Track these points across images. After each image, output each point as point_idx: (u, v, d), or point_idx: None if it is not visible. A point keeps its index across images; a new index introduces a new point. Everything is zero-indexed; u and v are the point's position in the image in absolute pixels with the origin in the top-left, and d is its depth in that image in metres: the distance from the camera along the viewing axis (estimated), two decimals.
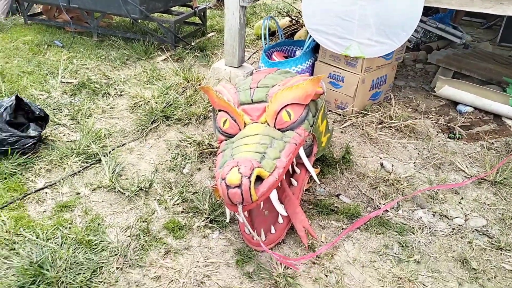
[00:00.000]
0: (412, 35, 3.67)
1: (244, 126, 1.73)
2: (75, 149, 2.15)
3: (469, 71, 3.07)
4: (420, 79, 3.19)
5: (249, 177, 1.39)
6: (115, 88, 2.86)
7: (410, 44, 3.72)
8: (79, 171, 2.04)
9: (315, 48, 2.77)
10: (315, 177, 1.81)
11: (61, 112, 2.54)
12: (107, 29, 3.83)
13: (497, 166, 2.07)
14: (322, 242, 1.69)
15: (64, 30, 3.95)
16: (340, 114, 2.61)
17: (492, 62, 3.24)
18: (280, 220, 1.67)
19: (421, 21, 3.71)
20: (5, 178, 1.95)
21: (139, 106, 2.63)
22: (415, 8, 2.17)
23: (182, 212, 1.82)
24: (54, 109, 2.56)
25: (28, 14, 4.07)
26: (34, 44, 3.55)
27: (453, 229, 1.77)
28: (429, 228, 1.77)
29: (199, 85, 2.83)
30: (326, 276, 1.54)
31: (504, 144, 2.32)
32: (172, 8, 3.94)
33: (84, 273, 1.50)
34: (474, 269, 1.57)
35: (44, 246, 1.59)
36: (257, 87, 1.82)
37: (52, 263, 1.51)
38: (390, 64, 2.64)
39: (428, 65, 3.38)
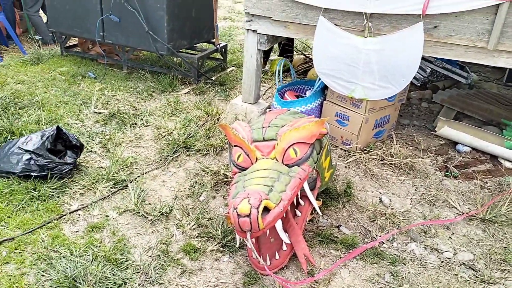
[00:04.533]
0: (420, 74, 3.91)
1: (256, 161, 1.97)
2: (105, 175, 2.42)
3: (471, 111, 3.27)
4: (424, 118, 3.39)
5: (257, 208, 1.62)
6: (142, 119, 3.15)
7: (417, 83, 3.94)
8: (108, 196, 2.30)
9: (324, 88, 3.01)
10: (317, 209, 2.03)
11: (93, 140, 2.83)
12: (135, 62, 4.18)
13: (487, 204, 2.24)
14: (321, 268, 1.88)
15: (97, 62, 4.31)
16: (345, 150, 2.82)
17: (494, 103, 3.43)
18: (284, 247, 1.88)
19: (428, 61, 3.94)
20: (44, 200, 2.22)
21: (163, 137, 2.90)
22: (414, 58, 2.40)
23: (197, 236, 2.05)
24: (87, 138, 2.85)
25: (65, 46, 4.47)
26: (70, 75, 3.91)
27: (442, 262, 1.95)
28: (420, 260, 1.95)
29: (218, 119, 3.10)
30: None
31: (497, 183, 2.50)
32: (197, 45, 4.27)
33: (111, 287, 1.73)
34: None
35: (77, 262, 1.83)
36: (269, 126, 2.08)
37: (84, 277, 1.75)
38: (393, 105, 2.87)
39: (433, 104, 3.58)
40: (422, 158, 2.71)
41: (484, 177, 2.56)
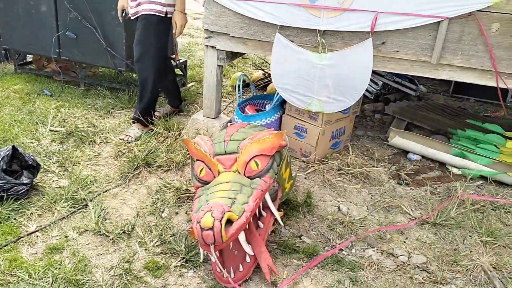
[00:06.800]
0: (372, 87, 4.10)
1: (218, 174, 2.01)
2: (63, 195, 2.37)
3: (420, 122, 3.47)
4: (377, 129, 3.56)
5: (220, 220, 1.65)
6: (101, 136, 3.10)
7: (370, 95, 4.13)
8: (67, 216, 2.25)
9: (283, 102, 3.11)
10: (279, 220, 2.09)
11: (50, 159, 2.76)
12: (93, 79, 4.12)
13: (437, 209, 2.39)
14: (284, 278, 1.93)
15: (52, 79, 4.21)
16: (304, 162, 2.91)
17: (442, 113, 3.66)
18: (248, 259, 1.91)
19: (379, 75, 4.15)
20: (0, 223, 2.14)
21: (123, 154, 2.88)
22: (365, 72, 2.54)
23: (160, 253, 2.05)
24: (44, 157, 2.78)
25: (19, 63, 4.34)
26: (24, 93, 3.79)
27: (398, 265, 2.05)
28: (377, 265, 2.04)
29: (179, 134, 3.11)
30: None
31: (446, 189, 2.66)
32: None
33: None
34: None
35: (36, 285, 1.78)
36: (230, 140, 2.13)
37: None
38: (347, 118, 3.00)
39: (385, 116, 3.77)
40: (377, 167, 2.85)
41: (433, 183, 2.72)
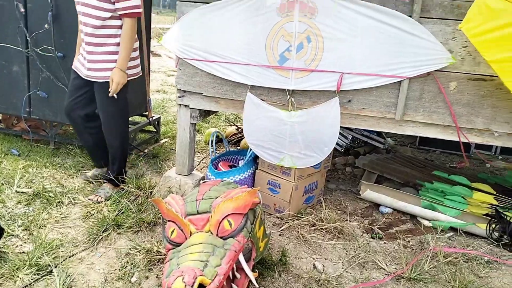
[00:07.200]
0: (342, 140, 4.21)
1: (190, 235, 1.96)
2: (27, 261, 2.24)
3: (389, 174, 3.55)
4: (349, 182, 3.62)
5: (192, 286, 1.60)
6: (69, 197, 3.01)
7: (341, 149, 4.24)
8: (30, 284, 2.12)
9: (256, 157, 3.14)
10: (254, 281, 2.03)
11: (15, 222, 2.64)
12: (64, 137, 4.07)
13: (411, 263, 2.39)
14: None
15: (21, 138, 4.13)
16: (278, 218, 2.90)
17: (410, 165, 3.77)
18: None
19: (349, 129, 4.29)
20: None
21: (91, 215, 2.79)
22: (333, 129, 2.62)
23: None
24: (8, 220, 2.66)
25: None
26: None
27: None
28: None
29: (151, 192, 3.06)
30: None
31: (418, 242, 2.69)
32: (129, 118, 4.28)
33: None
34: None
35: None
36: (203, 199, 2.10)
37: None
38: (319, 172, 3.05)
39: (356, 169, 3.85)
40: (350, 221, 2.86)
41: (406, 236, 2.74)
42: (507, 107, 2.35)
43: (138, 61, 3.03)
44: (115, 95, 2.81)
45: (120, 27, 2.77)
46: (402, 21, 2.33)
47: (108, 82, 2.80)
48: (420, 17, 2.33)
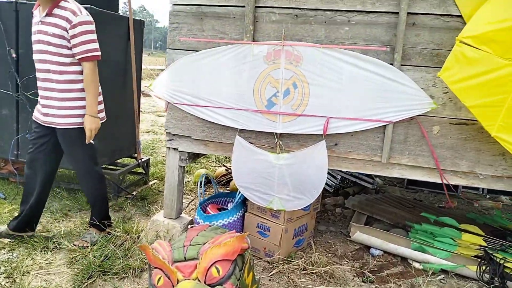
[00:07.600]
0: (331, 181, 4.23)
1: (177, 283, 1.92)
2: None
3: (379, 215, 3.56)
4: (339, 224, 3.61)
5: None
6: (54, 242, 2.95)
7: (330, 189, 4.25)
8: None
9: (245, 200, 3.13)
10: None
11: None
12: None
13: None
14: None
15: (8, 181, 4.08)
16: (268, 262, 2.86)
17: (399, 206, 3.78)
18: None
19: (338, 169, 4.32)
20: None
21: (77, 261, 2.72)
22: (321, 171, 2.65)
23: None
24: None
25: None
26: None
27: None
28: None
29: (138, 237, 3.01)
30: None
31: (410, 285, 2.65)
32: (118, 160, 4.28)
33: None
34: None
35: None
36: (190, 245, 2.07)
37: None
38: (309, 214, 3.04)
39: (346, 210, 3.85)
40: (341, 264, 2.83)
41: (397, 279, 2.71)
42: (489, 150, 2.41)
43: (103, 105, 2.91)
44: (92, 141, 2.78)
45: (81, 72, 2.69)
46: (385, 69, 2.42)
47: (70, 128, 2.73)
48: (401, 64, 2.43)
